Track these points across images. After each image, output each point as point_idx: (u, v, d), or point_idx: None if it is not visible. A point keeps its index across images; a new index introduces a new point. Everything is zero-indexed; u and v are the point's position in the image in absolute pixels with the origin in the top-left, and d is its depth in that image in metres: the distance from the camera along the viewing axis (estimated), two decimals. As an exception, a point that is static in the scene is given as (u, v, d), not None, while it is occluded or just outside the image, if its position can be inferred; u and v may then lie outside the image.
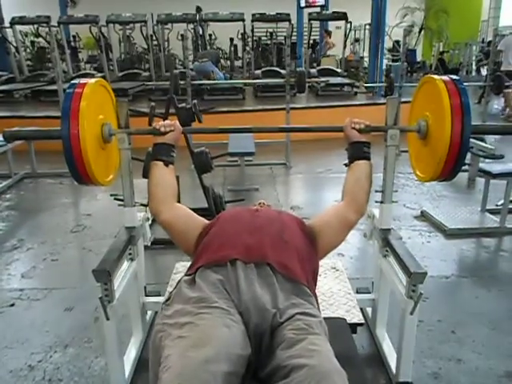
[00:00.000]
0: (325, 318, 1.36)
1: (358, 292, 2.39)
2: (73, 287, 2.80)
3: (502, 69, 7.75)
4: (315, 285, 1.57)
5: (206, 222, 1.68)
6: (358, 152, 1.79)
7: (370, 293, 2.34)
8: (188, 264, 1.56)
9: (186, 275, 1.43)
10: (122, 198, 1.96)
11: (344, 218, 1.69)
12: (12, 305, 2.62)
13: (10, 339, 2.29)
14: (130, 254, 1.94)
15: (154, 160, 1.76)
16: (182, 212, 1.72)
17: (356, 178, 1.76)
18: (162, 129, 1.77)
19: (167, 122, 1.82)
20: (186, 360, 1.10)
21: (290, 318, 1.27)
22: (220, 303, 1.26)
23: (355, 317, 2.09)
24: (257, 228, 1.53)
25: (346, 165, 1.84)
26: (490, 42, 9.27)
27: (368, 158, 1.79)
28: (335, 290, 2.31)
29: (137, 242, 2.00)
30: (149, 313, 2.33)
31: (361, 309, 2.22)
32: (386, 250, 1.95)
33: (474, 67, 13.70)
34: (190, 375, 1.06)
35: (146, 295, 2.27)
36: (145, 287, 2.25)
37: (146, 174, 2.35)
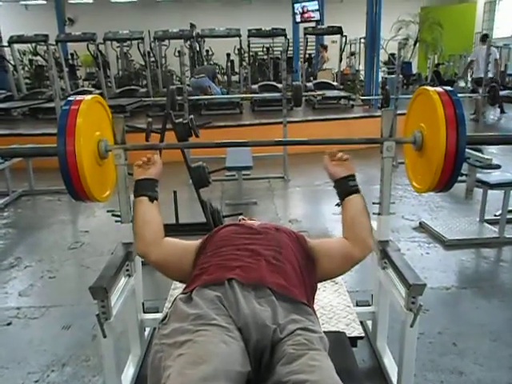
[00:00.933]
0: (324, 332, 1.34)
1: (357, 305, 2.37)
2: (70, 305, 2.78)
3: (473, 76, 8.06)
4: (313, 299, 1.56)
5: (197, 243, 1.66)
6: (345, 188, 1.76)
7: (369, 305, 2.32)
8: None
9: (181, 294, 1.41)
10: (119, 213, 1.96)
11: (348, 253, 1.66)
12: (9, 324, 2.59)
13: (6, 359, 2.27)
14: (127, 270, 1.93)
15: (138, 196, 1.75)
16: (171, 247, 1.69)
17: (352, 217, 1.72)
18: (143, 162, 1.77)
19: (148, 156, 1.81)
20: (183, 378, 1.08)
21: (290, 334, 1.25)
22: (219, 320, 1.24)
23: (355, 330, 2.07)
24: (254, 249, 1.50)
25: (338, 205, 1.80)
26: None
27: (357, 191, 1.76)
28: (335, 304, 2.29)
29: (134, 257, 1.98)
30: (147, 329, 2.31)
31: (361, 322, 2.20)
32: (385, 262, 1.94)
33: (469, 78, 13.80)
34: (187, 393, 1.04)
35: (144, 312, 2.25)
36: (143, 303, 2.24)
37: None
